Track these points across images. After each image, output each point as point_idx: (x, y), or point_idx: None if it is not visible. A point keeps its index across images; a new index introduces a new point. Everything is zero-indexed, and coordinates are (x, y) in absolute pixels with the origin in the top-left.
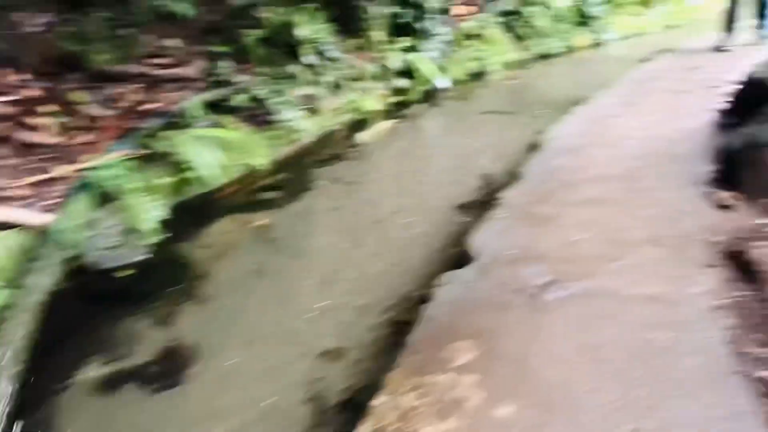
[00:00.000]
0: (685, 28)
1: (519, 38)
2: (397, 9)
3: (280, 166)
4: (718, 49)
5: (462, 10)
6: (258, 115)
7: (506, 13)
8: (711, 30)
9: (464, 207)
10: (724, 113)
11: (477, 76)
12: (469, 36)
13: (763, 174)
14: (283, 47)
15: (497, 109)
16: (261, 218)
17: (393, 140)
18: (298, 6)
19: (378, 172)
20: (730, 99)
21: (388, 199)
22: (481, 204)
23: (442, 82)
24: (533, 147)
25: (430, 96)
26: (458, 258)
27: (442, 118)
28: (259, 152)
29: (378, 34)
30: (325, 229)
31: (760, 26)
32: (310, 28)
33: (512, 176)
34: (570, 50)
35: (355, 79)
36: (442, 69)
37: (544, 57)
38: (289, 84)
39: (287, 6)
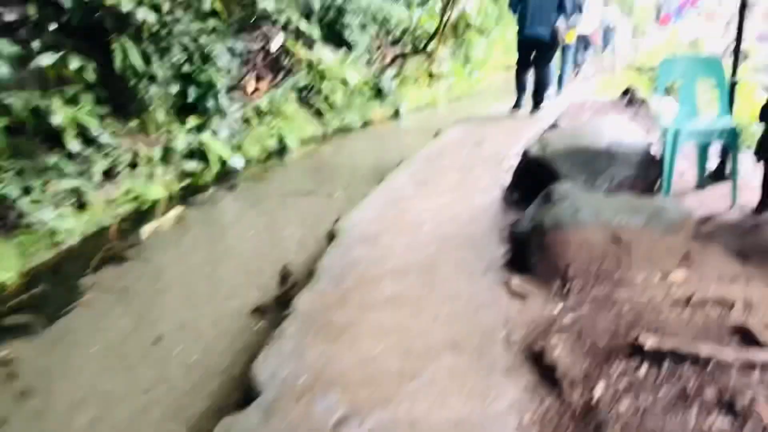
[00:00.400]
0: (470, 98)
1: (316, 113)
2: (182, 87)
3: (35, 278)
4: (511, 114)
5: (255, 85)
6: (5, 218)
7: (302, 88)
8: (494, 99)
9: (258, 312)
10: (509, 189)
11: (275, 153)
12: (264, 112)
13: (550, 258)
14: (39, 136)
15: (296, 189)
16: (1, 352)
17: (182, 232)
18: (56, 89)
19: (161, 274)
20: (513, 175)
21: (170, 310)
22: (277, 308)
23: (236, 162)
24: (332, 236)
25: (225, 178)
26: (242, 393)
27: (238, 203)
28: (5, 264)
29: (161, 115)
30: (85, 361)
31: (541, 96)
32: (70, 112)
33: (309, 274)
34: (367, 124)
35: (135, 165)
36: (236, 148)
37: (343, 131)
38: (48, 177)
39: (41, 89)
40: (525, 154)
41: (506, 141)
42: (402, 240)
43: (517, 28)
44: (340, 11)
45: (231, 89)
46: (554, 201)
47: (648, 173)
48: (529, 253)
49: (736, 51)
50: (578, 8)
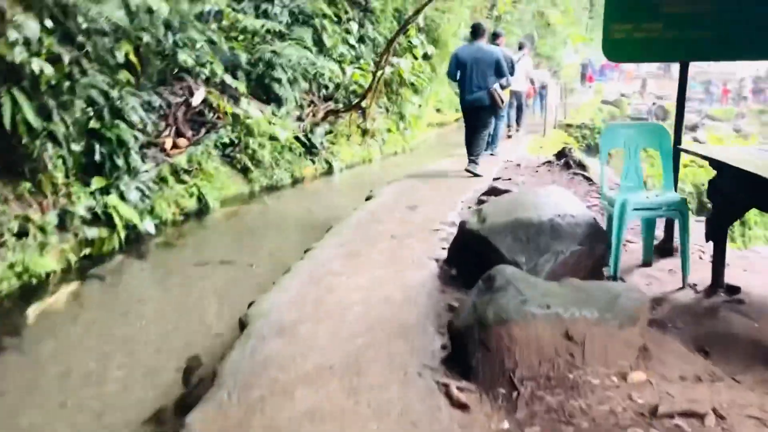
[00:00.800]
0: (404, 155)
1: (242, 171)
2: (88, 144)
3: None
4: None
5: (174, 141)
6: None
7: (226, 145)
8: (427, 157)
9: (154, 422)
10: (445, 263)
11: (193, 215)
12: (182, 170)
13: (495, 357)
14: None
15: (214, 257)
16: None
17: (75, 314)
18: None
19: (39, 372)
20: (449, 248)
21: (40, 427)
22: (178, 414)
23: (147, 226)
24: (243, 325)
25: (134, 245)
26: None
27: (146, 275)
28: None
29: (59, 175)
30: None
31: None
32: None
33: (213, 375)
34: (298, 181)
35: (24, 234)
36: (148, 211)
37: (271, 189)
38: None
39: None
40: (462, 227)
41: (441, 205)
42: (325, 329)
43: (458, 95)
44: (270, 65)
45: (146, 146)
46: (497, 288)
47: (594, 247)
48: (470, 351)
49: (679, 120)
50: (512, 68)
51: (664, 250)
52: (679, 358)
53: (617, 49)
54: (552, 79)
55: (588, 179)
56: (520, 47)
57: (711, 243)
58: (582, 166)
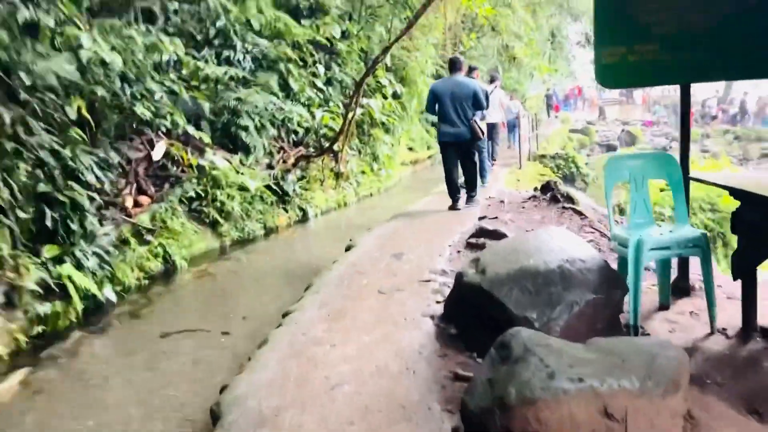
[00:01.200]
0: (380, 196)
1: (211, 225)
2: (37, 210)
3: None
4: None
5: (136, 199)
6: None
7: (192, 199)
8: (403, 197)
9: None
10: (443, 320)
11: (160, 278)
12: (145, 230)
13: None
14: None
15: (184, 325)
16: None
17: (25, 406)
18: None
19: None
20: (445, 303)
21: None
22: None
23: (108, 295)
24: (215, 416)
25: (93, 317)
26: None
27: (107, 352)
28: None
29: (6, 247)
30: None
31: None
32: None
33: None
34: (271, 232)
35: None
36: (109, 278)
37: (243, 243)
38: None
39: None
40: (459, 280)
41: (428, 251)
42: (312, 417)
43: (437, 130)
44: (235, 113)
45: (104, 207)
46: (516, 358)
47: (611, 295)
48: None
49: (684, 146)
50: (487, 101)
51: (680, 289)
52: (731, 424)
53: (611, 75)
54: (523, 110)
55: (579, 213)
56: (492, 80)
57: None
58: (570, 199)
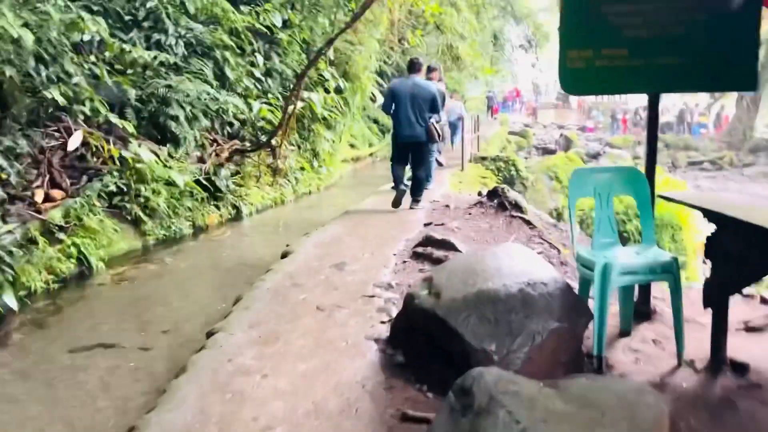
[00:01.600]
0: (319, 194)
1: (133, 223)
2: None
3: None
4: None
5: (47, 193)
6: None
7: (113, 194)
8: (344, 195)
9: None
10: (388, 345)
11: (73, 281)
12: (57, 228)
13: None
14: None
15: (96, 338)
16: None
17: None
18: None
19: None
20: (392, 327)
21: None
22: None
23: (9, 302)
24: None
25: None
26: None
27: (3, 372)
28: None
29: None
30: None
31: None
32: None
33: None
34: (201, 230)
35: None
36: (10, 282)
37: (169, 242)
38: None
39: None
40: (410, 303)
41: (372, 260)
42: None
43: (392, 129)
44: (164, 101)
45: (9, 201)
46: (478, 409)
47: (574, 323)
48: None
49: (650, 161)
50: (443, 104)
51: (641, 313)
52: None
53: (577, 81)
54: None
55: (528, 222)
56: (439, 79)
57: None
58: (519, 207)
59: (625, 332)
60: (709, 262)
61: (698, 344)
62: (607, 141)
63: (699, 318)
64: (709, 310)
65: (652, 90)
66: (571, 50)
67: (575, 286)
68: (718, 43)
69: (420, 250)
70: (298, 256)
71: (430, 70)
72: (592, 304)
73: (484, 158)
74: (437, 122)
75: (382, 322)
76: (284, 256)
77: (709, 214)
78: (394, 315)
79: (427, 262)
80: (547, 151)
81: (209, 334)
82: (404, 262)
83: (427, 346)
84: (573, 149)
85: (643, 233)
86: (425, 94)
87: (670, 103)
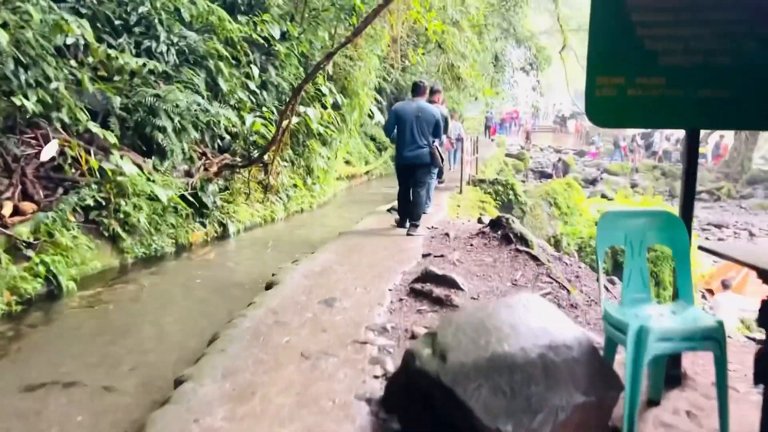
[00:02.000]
0: (312, 213)
1: (111, 239)
2: None
3: None
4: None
5: (14, 206)
6: None
7: (90, 208)
8: (338, 215)
9: None
10: (382, 407)
11: (39, 303)
12: (25, 244)
13: None
14: None
15: (56, 373)
16: None
17: None
18: None
19: None
20: (387, 388)
21: None
22: None
23: None
24: None
25: None
26: None
27: None
28: None
29: None
30: None
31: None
32: None
33: None
34: (184, 249)
35: None
36: None
37: (148, 261)
38: None
39: None
40: (409, 365)
41: (365, 296)
42: None
43: (394, 152)
44: (151, 111)
45: None
46: None
47: (603, 396)
48: None
49: (687, 204)
50: (446, 127)
51: (671, 377)
52: None
53: (606, 111)
54: (464, 132)
55: (534, 258)
56: (441, 102)
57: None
58: (524, 240)
59: (654, 401)
60: (763, 331)
61: (738, 418)
62: (604, 167)
63: (735, 383)
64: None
65: (690, 125)
66: (600, 77)
67: (597, 341)
68: None
69: (418, 286)
70: (284, 288)
71: (432, 92)
72: (622, 371)
73: (482, 181)
74: (441, 145)
75: (376, 377)
76: (269, 286)
77: (765, 275)
78: (388, 367)
79: (426, 301)
80: (543, 175)
81: (177, 383)
82: (401, 299)
83: (427, 413)
84: (570, 174)
85: (679, 288)
86: (429, 118)
87: (669, 131)
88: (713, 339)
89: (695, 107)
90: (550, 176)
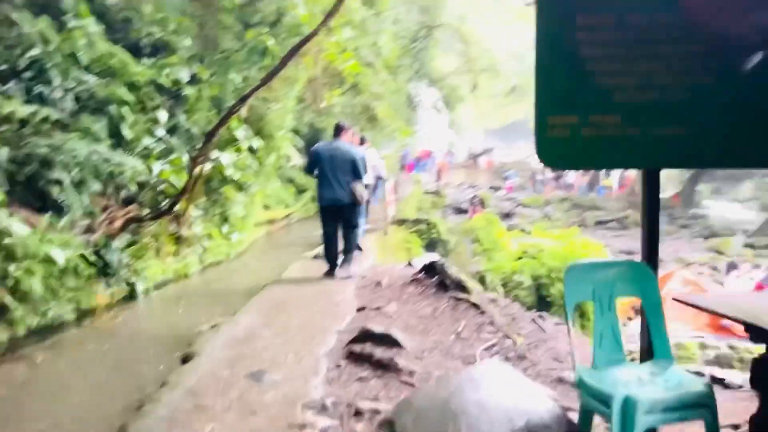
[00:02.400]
0: (229, 264)
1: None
2: None
3: None
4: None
5: None
6: None
7: None
8: (258, 263)
9: None
10: None
11: None
12: None
13: None
14: None
15: None
16: None
17: None
18: None
19: None
20: None
21: None
22: None
23: None
24: None
25: None
26: None
27: None
28: None
29: None
30: None
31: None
32: None
33: None
34: (86, 314)
35: None
36: None
37: (44, 332)
38: None
39: None
40: None
41: (299, 363)
42: None
43: (316, 193)
44: (45, 163)
45: None
46: None
47: None
48: None
49: (651, 248)
50: (365, 167)
51: None
52: None
53: (558, 153)
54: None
55: (475, 306)
56: (362, 142)
57: None
58: (462, 287)
59: None
60: (757, 393)
61: None
62: (519, 201)
63: None
64: None
65: (650, 165)
66: (551, 117)
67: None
68: (733, 111)
69: (357, 348)
70: (203, 361)
71: (338, 131)
72: None
73: (404, 221)
74: (365, 186)
75: None
76: (185, 359)
77: (757, 332)
78: None
79: (368, 366)
80: (460, 211)
81: None
82: (338, 365)
83: None
84: (486, 209)
85: (655, 346)
86: (347, 157)
87: None
88: (704, 406)
89: (652, 146)
90: (464, 211)
